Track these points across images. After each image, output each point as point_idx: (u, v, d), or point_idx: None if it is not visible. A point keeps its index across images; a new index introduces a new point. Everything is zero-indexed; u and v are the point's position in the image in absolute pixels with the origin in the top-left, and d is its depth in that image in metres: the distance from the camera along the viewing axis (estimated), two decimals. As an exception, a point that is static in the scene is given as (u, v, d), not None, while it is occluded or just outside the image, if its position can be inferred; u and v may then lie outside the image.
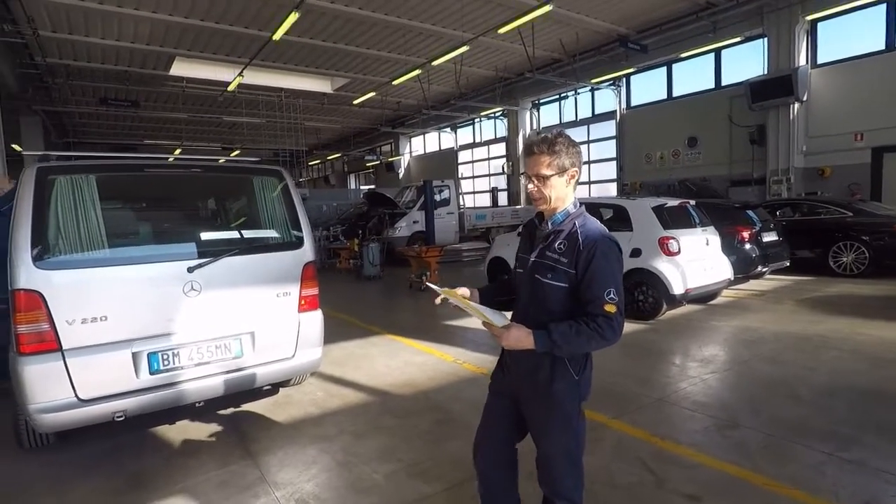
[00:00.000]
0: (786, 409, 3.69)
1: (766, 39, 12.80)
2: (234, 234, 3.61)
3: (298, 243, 3.67)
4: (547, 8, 10.90)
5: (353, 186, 33.19)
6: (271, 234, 3.68)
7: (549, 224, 1.83)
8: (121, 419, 2.97)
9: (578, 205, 1.85)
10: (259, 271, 3.48)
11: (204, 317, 3.23)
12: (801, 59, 12.23)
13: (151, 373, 3.05)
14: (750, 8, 12.63)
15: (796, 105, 12.29)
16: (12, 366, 2.77)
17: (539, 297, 1.80)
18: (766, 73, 12.74)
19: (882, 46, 11.41)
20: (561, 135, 1.78)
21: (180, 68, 15.74)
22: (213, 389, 3.28)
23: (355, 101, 19.90)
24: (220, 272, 3.28)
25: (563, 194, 1.80)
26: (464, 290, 1.92)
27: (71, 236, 2.88)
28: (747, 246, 7.86)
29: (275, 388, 4.22)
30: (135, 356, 2.99)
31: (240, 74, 15.17)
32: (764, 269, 8.14)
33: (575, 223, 1.78)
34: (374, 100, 20.06)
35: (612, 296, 1.67)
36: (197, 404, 3.31)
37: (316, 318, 3.75)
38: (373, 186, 28.29)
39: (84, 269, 2.89)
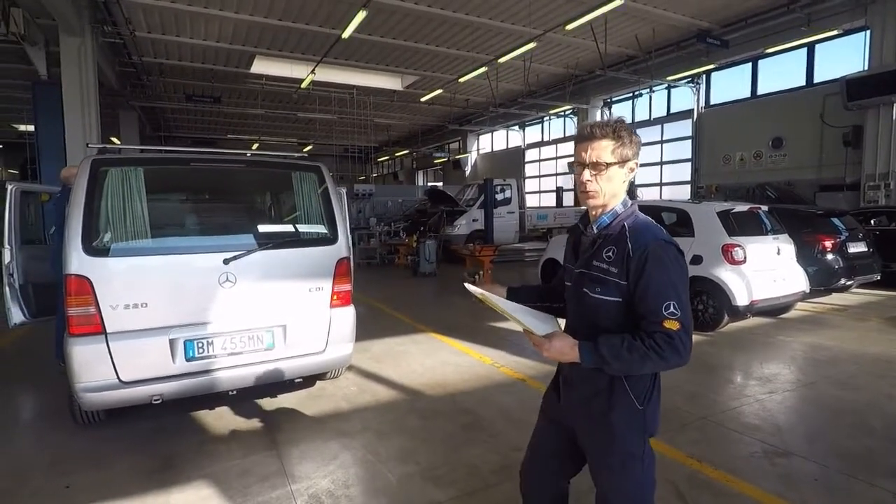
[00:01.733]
0: (851, 440, 3.30)
1: (868, 32, 11.54)
2: (271, 228, 3.73)
3: (333, 239, 3.72)
4: (619, 2, 10.42)
5: (420, 183, 33.62)
6: (307, 228, 3.76)
7: (595, 227, 1.58)
8: (158, 402, 3.16)
9: (629, 203, 1.59)
10: (293, 265, 3.57)
11: (238, 308, 3.36)
12: (909, 53, 10.92)
13: (187, 359, 3.21)
14: (851, -3, 11.45)
15: (901, 103, 11.00)
16: (65, 347, 3.01)
17: (589, 315, 1.55)
18: (866, 69, 11.50)
19: None
20: (622, 121, 1.54)
21: (260, 66, 16.62)
22: (244, 379, 3.41)
23: (423, 99, 20.11)
24: (254, 265, 3.40)
25: (618, 189, 1.55)
26: (499, 289, 1.76)
27: (118, 226, 3.09)
28: (829, 256, 7.18)
29: (310, 380, 4.32)
30: (172, 343, 3.16)
31: (312, 72, 15.75)
32: (849, 283, 7.40)
33: (624, 224, 1.51)
34: (443, 97, 20.16)
35: (671, 310, 1.39)
36: (230, 392, 3.46)
37: (348, 313, 3.80)
38: (439, 183, 28.54)
39: (128, 258, 3.09)
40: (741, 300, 5.77)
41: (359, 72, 18.09)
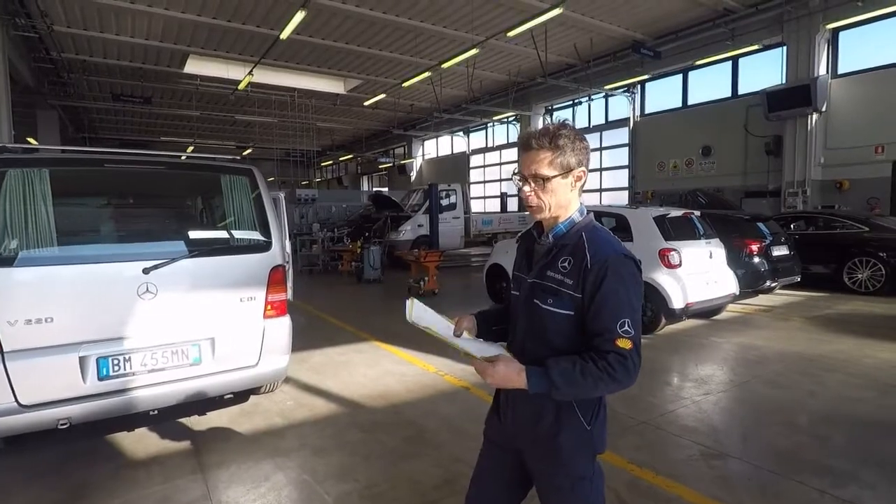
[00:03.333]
0: (781, 438, 3.43)
1: (785, 48, 12.44)
2: (197, 235, 3.46)
3: (266, 246, 3.51)
4: (557, 11, 10.69)
5: (365, 188, 33.21)
6: (237, 235, 3.53)
7: (551, 237, 1.49)
8: (65, 426, 2.84)
9: (585, 212, 1.50)
10: (222, 274, 3.33)
11: (159, 321, 3.09)
12: (821, 69, 11.84)
13: (100, 378, 2.91)
14: (770, 16, 12.29)
15: (815, 115, 11.89)
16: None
17: (538, 328, 1.45)
18: (784, 82, 12.37)
19: (906, 57, 11.00)
20: (564, 126, 1.42)
21: (194, 66, 15.86)
22: (167, 397, 3.13)
23: (367, 103, 19.89)
24: (178, 274, 3.14)
25: (565, 200, 1.45)
26: (467, 323, 1.58)
27: (17, 232, 2.76)
28: (756, 259, 7.57)
29: (242, 396, 4.06)
30: (82, 360, 2.85)
31: (249, 73, 15.20)
32: (773, 284, 7.83)
33: (582, 235, 1.42)
34: (387, 102, 20.01)
35: (626, 328, 1.33)
36: (151, 412, 3.17)
37: (283, 324, 3.59)
38: (384, 189, 28.26)
39: (29, 268, 2.76)
40: (677, 303, 5.97)
41: (299, 74, 17.65)
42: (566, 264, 1.42)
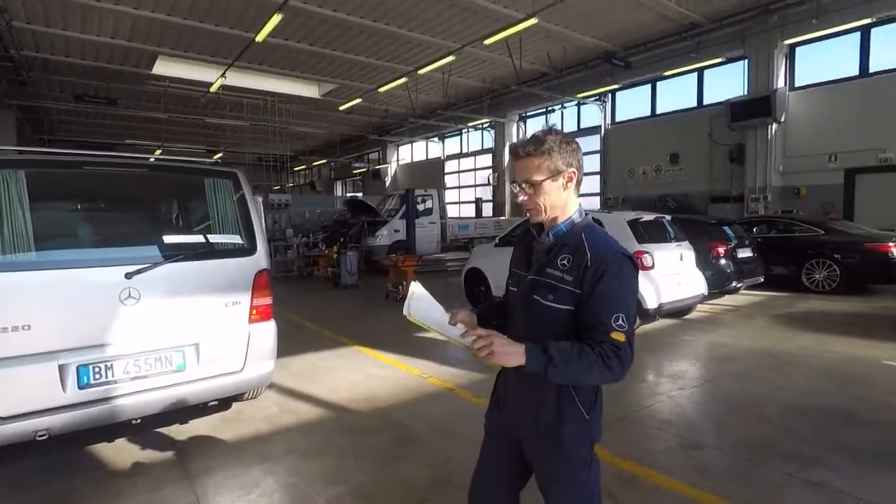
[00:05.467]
0: (752, 428, 3.61)
1: (746, 61, 12.98)
2: (180, 239, 3.43)
3: (251, 250, 3.50)
4: (532, 21, 10.91)
5: (339, 193, 32.96)
6: (222, 239, 3.50)
7: (551, 236, 1.56)
8: (44, 438, 2.76)
9: (584, 213, 1.58)
10: (206, 279, 3.30)
11: (142, 327, 3.04)
12: (780, 82, 12.41)
13: (80, 387, 2.85)
14: (732, 30, 12.80)
15: (774, 126, 12.45)
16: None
17: (538, 323, 1.51)
18: (746, 93, 12.91)
19: (855, 72, 11.63)
20: (551, 131, 1.51)
21: (163, 67, 15.50)
22: (150, 405, 3.08)
23: (341, 108, 19.79)
24: (162, 279, 3.10)
25: (559, 202, 1.52)
26: (464, 315, 1.57)
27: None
28: (722, 261, 7.87)
29: (226, 403, 4.01)
30: (61, 369, 2.79)
31: (222, 75, 14.95)
32: (738, 285, 8.16)
33: (582, 235, 1.50)
34: (362, 107, 19.94)
35: (620, 322, 1.39)
36: (133, 421, 3.11)
37: (268, 329, 3.57)
38: (358, 194, 28.12)
39: (4, 273, 2.68)
40: (651, 303, 6.17)
41: (273, 77, 17.46)
42: (566, 262, 1.48)
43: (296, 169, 36.48)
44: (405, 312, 1.50)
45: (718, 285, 7.79)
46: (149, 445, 3.42)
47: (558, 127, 1.60)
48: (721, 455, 3.21)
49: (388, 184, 28.15)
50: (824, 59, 12.28)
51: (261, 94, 18.69)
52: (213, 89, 16.04)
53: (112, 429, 3.34)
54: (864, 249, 8.57)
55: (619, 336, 1.39)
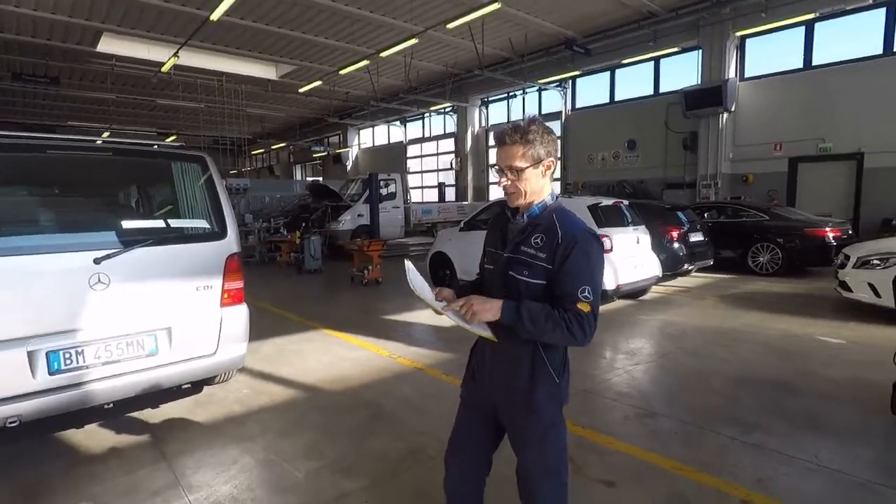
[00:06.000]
0: (700, 398, 3.90)
1: (700, 51, 13.48)
2: (150, 223, 3.40)
3: (221, 234, 3.50)
4: (496, 6, 10.95)
5: (299, 178, 32.30)
6: (191, 223, 3.49)
7: (525, 217, 1.70)
8: (14, 425, 2.73)
9: (555, 196, 1.74)
10: (177, 263, 3.29)
11: (113, 312, 3.02)
12: (731, 72, 12.96)
13: (51, 373, 2.82)
14: (688, 21, 13.25)
15: (725, 115, 13.03)
16: None
17: (513, 296, 1.63)
18: (699, 83, 13.42)
19: (800, 65, 12.29)
20: (534, 121, 1.63)
21: (109, 45, 14.77)
22: (123, 390, 3.08)
23: (301, 90, 19.36)
24: (132, 264, 3.08)
25: (538, 187, 1.67)
26: (447, 293, 1.75)
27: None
28: (676, 245, 8.26)
29: (197, 386, 4.02)
30: (31, 355, 2.75)
31: (175, 55, 14.38)
32: (690, 267, 8.60)
33: (553, 216, 1.65)
34: (322, 89, 19.57)
35: (586, 294, 1.55)
36: (106, 406, 3.10)
37: (240, 312, 3.60)
38: (318, 178, 27.65)
39: (-30, 259, 2.63)
40: (609, 285, 6.46)
41: (229, 58, 16.92)
42: (538, 241, 1.63)
43: (254, 152, 35.51)
44: (410, 287, 1.70)
45: (672, 268, 8.18)
46: (123, 430, 3.42)
47: (535, 114, 1.73)
48: (672, 422, 3.48)
49: (349, 168, 27.83)
50: (772, 51, 12.92)
51: (216, 75, 18.08)
52: (164, 69, 15.40)
53: (83, 414, 3.32)
54: (804, 234, 9.16)
55: (584, 306, 1.55)
